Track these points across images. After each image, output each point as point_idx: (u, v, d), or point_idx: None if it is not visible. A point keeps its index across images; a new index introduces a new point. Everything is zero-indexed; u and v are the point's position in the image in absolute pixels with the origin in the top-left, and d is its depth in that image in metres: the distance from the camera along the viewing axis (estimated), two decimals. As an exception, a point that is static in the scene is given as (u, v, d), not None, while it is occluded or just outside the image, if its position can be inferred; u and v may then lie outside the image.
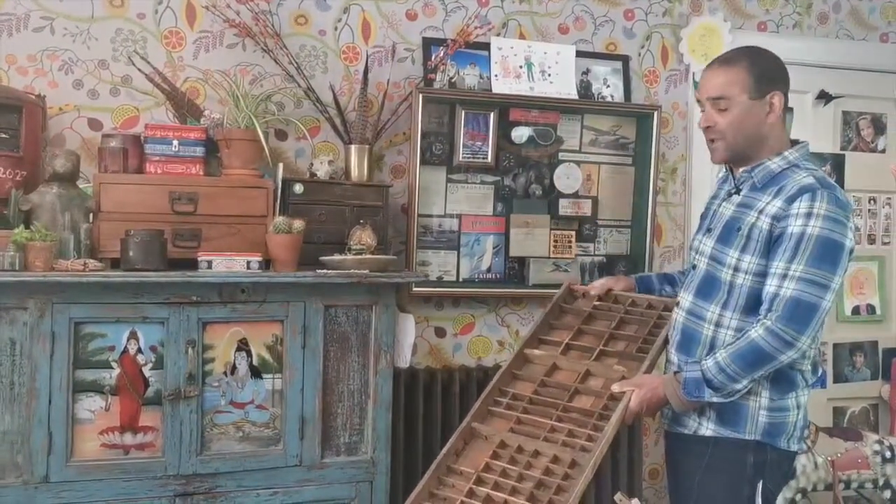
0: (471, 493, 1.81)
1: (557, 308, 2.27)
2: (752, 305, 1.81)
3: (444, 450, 1.92)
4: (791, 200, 1.76)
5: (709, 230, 1.94)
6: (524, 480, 1.81)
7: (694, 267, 1.97)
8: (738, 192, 1.90)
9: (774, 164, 1.85)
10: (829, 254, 1.72)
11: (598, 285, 2.26)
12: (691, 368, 1.83)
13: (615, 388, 1.92)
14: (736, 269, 1.83)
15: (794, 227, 1.74)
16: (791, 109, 3.29)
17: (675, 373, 1.88)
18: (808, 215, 1.73)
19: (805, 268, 1.71)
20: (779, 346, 1.71)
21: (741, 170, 1.90)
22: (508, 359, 2.16)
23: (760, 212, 1.80)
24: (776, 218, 1.77)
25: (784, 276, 1.73)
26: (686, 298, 1.95)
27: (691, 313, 1.92)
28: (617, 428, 1.86)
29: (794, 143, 1.91)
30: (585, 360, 2.07)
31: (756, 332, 1.73)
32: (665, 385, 1.87)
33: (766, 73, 1.86)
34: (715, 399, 1.80)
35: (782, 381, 1.82)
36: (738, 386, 1.77)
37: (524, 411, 1.98)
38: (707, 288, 1.89)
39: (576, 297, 2.31)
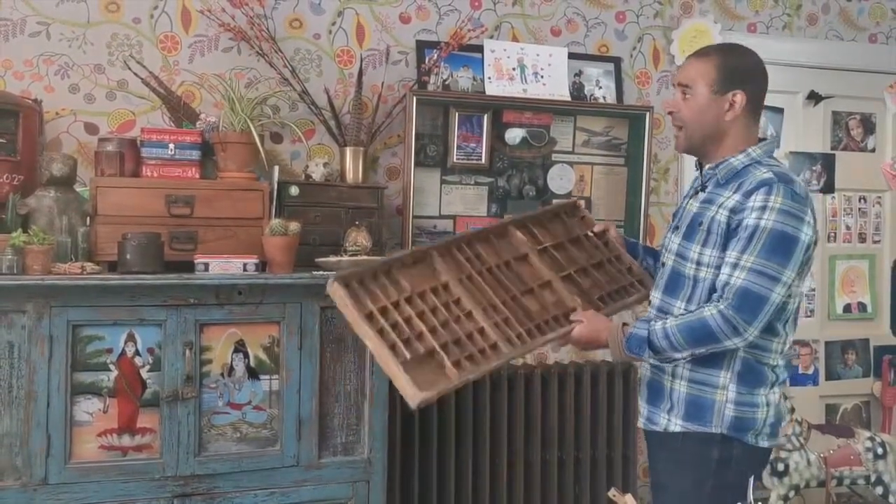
0: (396, 304, 1.80)
1: (554, 213, 2.25)
2: None
3: (395, 257, 1.89)
4: (748, 194, 1.79)
5: (676, 228, 1.97)
6: (446, 328, 1.80)
7: (663, 265, 1.99)
8: (703, 189, 1.93)
9: (737, 160, 1.87)
10: (781, 247, 1.74)
11: (600, 225, 2.28)
12: (640, 326, 1.85)
13: (573, 316, 1.96)
14: (698, 264, 1.85)
15: (748, 219, 1.76)
16: (781, 110, 3.33)
17: (624, 325, 1.90)
18: (763, 208, 1.75)
19: (756, 259, 1.73)
20: (727, 331, 1.73)
21: (707, 167, 1.93)
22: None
23: (720, 206, 1.83)
24: (733, 211, 1.80)
25: (735, 266, 1.75)
26: (656, 296, 1.98)
27: (661, 310, 1.94)
28: (546, 344, 1.94)
29: (762, 140, 1.92)
30: (553, 271, 2.06)
31: (709, 311, 1.75)
32: (610, 332, 1.90)
33: (733, 72, 1.87)
34: (651, 361, 1.87)
35: (750, 375, 1.84)
36: (677, 355, 1.82)
37: (479, 274, 1.96)
38: (673, 284, 1.92)
39: (575, 216, 2.29)
